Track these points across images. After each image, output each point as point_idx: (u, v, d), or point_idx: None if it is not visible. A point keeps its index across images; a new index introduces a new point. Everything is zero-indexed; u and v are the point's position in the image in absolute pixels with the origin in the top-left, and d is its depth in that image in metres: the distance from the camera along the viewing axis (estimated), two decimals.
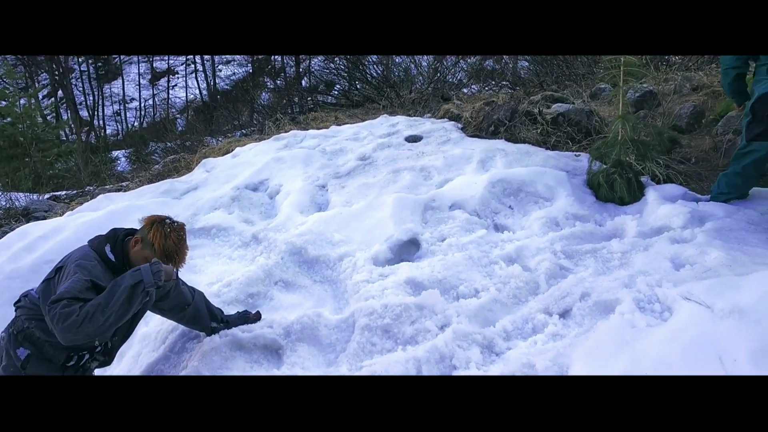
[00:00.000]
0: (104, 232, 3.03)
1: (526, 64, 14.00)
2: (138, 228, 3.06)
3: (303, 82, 21.36)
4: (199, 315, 3.39)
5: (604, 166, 4.83)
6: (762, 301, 2.70)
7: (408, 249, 4.35)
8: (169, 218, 3.06)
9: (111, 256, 2.90)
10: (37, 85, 31.89)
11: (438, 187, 5.06)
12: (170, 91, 36.35)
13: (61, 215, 6.18)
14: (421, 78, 11.86)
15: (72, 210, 6.22)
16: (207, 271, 4.50)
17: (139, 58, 37.77)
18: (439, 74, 12.02)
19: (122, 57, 37.92)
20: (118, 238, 2.98)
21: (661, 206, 4.32)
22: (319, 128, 7.25)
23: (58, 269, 2.80)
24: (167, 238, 2.94)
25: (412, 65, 12.88)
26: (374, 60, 13.70)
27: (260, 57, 34.74)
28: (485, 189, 4.77)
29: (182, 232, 3.06)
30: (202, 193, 5.80)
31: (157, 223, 2.97)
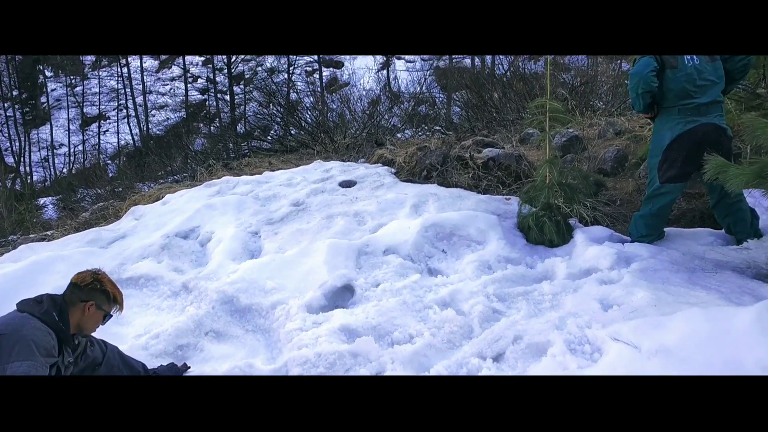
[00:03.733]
0: (32, 295, 2.86)
1: (458, 110, 14.34)
2: (68, 284, 2.93)
3: (238, 128, 21.27)
4: (113, 374, 3.24)
5: (534, 210, 4.93)
6: (686, 340, 2.77)
7: (342, 295, 4.31)
8: (95, 269, 2.99)
9: (63, 326, 2.75)
10: None
11: (372, 232, 5.06)
12: (101, 137, 35.53)
13: None
14: (356, 123, 11.97)
15: None
16: (134, 323, 4.32)
17: (69, 103, 36.86)
18: (373, 119, 12.16)
19: (50, 102, 36.92)
20: (58, 303, 2.82)
21: (589, 248, 4.43)
22: (252, 174, 7.19)
23: None
24: (113, 285, 2.91)
25: (347, 110, 13.00)
26: (309, 105, 13.79)
27: (194, 102, 34.54)
28: (418, 233, 4.80)
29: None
30: (131, 242, 5.62)
31: (97, 278, 2.89)
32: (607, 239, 4.61)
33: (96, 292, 2.86)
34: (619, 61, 13.93)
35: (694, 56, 4.28)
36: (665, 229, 4.71)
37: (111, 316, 3.05)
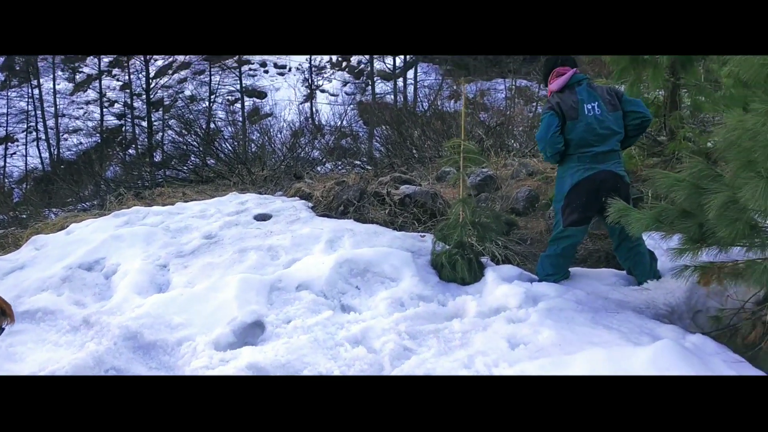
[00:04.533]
0: None
1: (379, 145, 14.50)
2: None
3: (155, 156, 20.75)
4: None
5: (447, 247, 4.99)
6: None
7: (252, 332, 4.21)
8: None
9: None
10: None
11: (285, 267, 4.99)
12: (7, 159, 33.82)
13: None
14: (276, 155, 11.89)
15: None
16: (28, 360, 4.07)
17: None
18: (293, 152, 12.13)
19: None
20: None
21: (499, 286, 4.51)
22: (164, 204, 6.99)
23: None
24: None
25: (267, 142, 12.91)
26: (228, 135, 13.61)
27: (110, 127, 33.45)
28: (332, 269, 4.76)
29: None
30: (29, 273, 5.33)
31: None
32: (517, 278, 4.72)
33: None
34: (534, 104, 14.47)
35: (596, 106, 4.49)
36: (572, 269, 4.88)
37: (3, 329, 2.91)
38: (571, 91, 4.58)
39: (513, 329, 3.83)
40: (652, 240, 4.99)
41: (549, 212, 6.22)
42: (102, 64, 33.76)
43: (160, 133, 26.04)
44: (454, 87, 26.36)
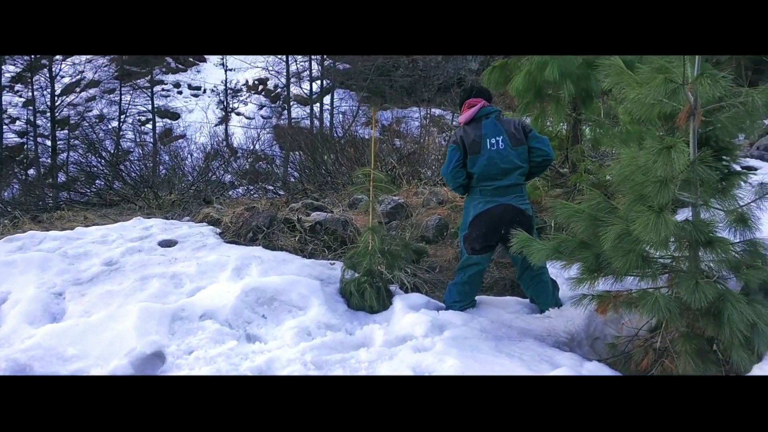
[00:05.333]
0: None
1: (293, 170, 14.42)
2: None
3: (59, 177, 19.84)
4: None
5: (356, 275, 4.99)
6: None
7: (152, 363, 4.04)
8: None
9: None
10: None
11: (189, 296, 4.84)
12: None
13: None
14: (186, 179, 11.60)
15: None
16: None
17: None
18: (204, 176, 11.88)
19: None
20: None
21: (407, 315, 4.54)
22: (63, 229, 6.65)
23: None
24: None
25: (177, 165, 12.60)
26: (136, 157, 13.20)
27: (10, 145, 31.74)
28: (238, 298, 4.66)
29: None
30: None
31: None
32: (424, 306, 4.76)
33: None
34: (444, 134, 14.79)
35: (500, 141, 4.64)
36: (477, 297, 4.97)
37: None
38: (478, 124, 4.72)
39: (418, 358, 3.86)
40: (554, 269, 5.15)
41: (457, 240, 6.34)
42: (3, 79, 32.09)
43: (65, 153, 24.97)
44: (370, 114, 26.64)
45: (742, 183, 3.72)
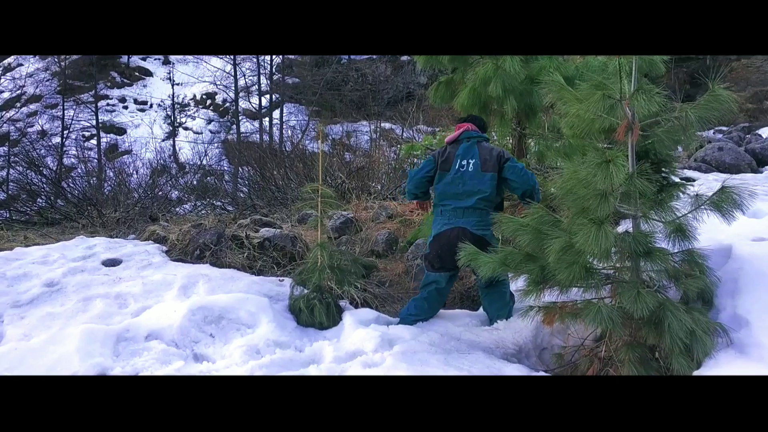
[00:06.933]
0: None
1: (242, 186, 14.27)
2: None
3: None
4: None
5: (306, 291, 4.96)
6: None
7: None
8: None
9: None
10: None
11: (134, 316, 4.73)
12: None
13: None
14: (132, 196, 11.36)
15: None
16: None
17: None
18: (150, 193, 11.65)
19: None
20: None
21: (356, 330, 4.52)
22: (2, 249, 6.43)
23: None
24: None
25: (122, 181, 12.34)
26: (80, 174, 12.86)
27: None
28: (185, 317, 4.57)
29: None
30: None
31: None
32: (374, 321, 4.76)
33: None
34: (394, 148, 14.86)
35: (471, 164, 4.76)
36: None
37: None
38: (457, 146, 4.89)
39: (368, 373, 3.84)
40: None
41: (407, 255, 6.37)
42: None
43: (5, 171, 24.18)
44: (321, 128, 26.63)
45: (680, 194, 3.85)
